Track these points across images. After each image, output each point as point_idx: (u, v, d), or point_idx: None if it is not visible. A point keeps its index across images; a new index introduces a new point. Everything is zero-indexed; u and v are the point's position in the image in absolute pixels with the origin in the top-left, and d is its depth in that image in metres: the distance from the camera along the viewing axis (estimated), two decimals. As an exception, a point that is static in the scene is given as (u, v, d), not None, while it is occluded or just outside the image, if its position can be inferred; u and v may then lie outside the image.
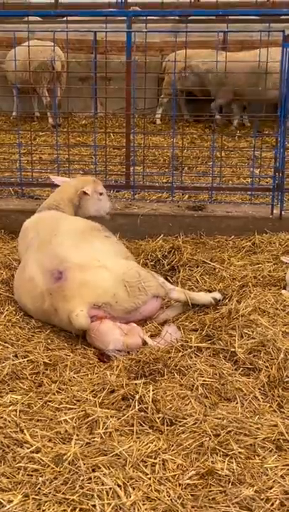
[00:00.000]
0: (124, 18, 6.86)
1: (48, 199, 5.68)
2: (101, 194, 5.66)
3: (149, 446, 3.40)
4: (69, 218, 5.30)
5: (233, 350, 4.28)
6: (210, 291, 5.15)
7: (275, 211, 6.57)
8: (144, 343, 4.39)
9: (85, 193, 5.51)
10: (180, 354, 4.28)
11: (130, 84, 6.72)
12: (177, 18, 9.02)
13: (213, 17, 8.52)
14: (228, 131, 10.77)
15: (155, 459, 3.31)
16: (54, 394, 3.90)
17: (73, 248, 4.76)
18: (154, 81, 11.60)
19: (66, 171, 7.58)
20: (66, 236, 4.89)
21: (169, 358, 4.21)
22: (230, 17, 10.15)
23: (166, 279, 5.36)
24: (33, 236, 5.08)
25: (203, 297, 4.99)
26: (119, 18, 8.05)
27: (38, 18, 11.11)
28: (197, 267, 5.70)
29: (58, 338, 4.62)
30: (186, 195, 7.26)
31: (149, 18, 11.07)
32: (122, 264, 4.77)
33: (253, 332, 4.46)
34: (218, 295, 5.02)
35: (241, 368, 4.14)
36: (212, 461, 3.27)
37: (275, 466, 3.25)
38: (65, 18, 8.67)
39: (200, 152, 8.98)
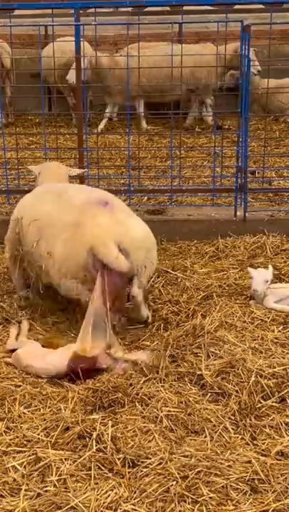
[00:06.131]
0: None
1: None
2: None
3: (109, 495, 3.02)
4: None
5: (199, 373, 3.91)
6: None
7: (238, 213, 6.21)
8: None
9: None
10: (142, 380, 3.89)
11: (80, 82, 6.29)
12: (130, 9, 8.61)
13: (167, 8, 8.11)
14: (186, 127, 10.32)
15: (116, 510, 2.93)
16: (1, 434, 3.48)
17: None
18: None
19: (16, 175, 7.11)
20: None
21: (130, 385, 3.83)
22: (185, 7, 9.82)
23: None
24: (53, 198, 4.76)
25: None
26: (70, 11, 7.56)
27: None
28: (158, 276, 5.32)
29: (7, 364, 4.20)
30: (145, 198, 6.87)
31: (102, 11, 10.67)
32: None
33: (220, 350, 4.10)
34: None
35: (209, 394, 3.77)
36: (180, 510, 2.90)
37: (251, 513, 2.89)
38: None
39: (158, 151, 8.56)
